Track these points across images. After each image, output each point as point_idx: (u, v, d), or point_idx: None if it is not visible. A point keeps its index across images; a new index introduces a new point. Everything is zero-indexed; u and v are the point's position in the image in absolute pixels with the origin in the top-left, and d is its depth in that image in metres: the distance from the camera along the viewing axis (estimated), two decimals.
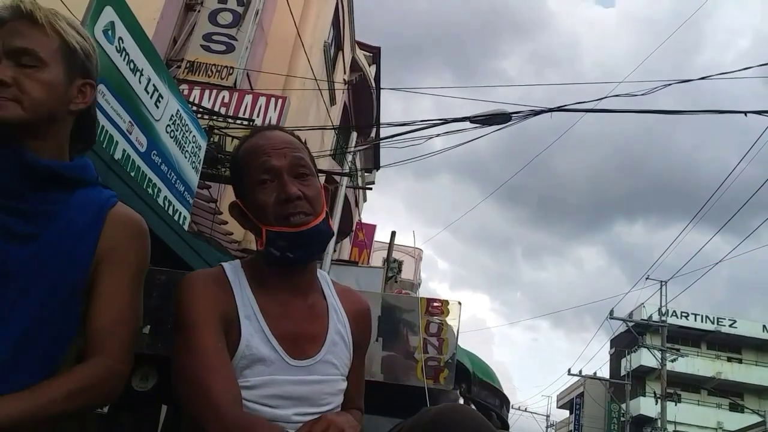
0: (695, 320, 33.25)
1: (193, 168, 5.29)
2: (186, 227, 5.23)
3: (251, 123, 7.16)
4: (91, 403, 1.07)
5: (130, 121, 3.99)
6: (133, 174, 4.05)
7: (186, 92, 6.58)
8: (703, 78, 8.17)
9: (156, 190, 4.51)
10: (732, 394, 29.82)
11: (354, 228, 16.45)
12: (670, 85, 8.04)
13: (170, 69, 6.22)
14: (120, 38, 3.79)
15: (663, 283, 22.34)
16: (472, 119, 8.37)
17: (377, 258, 19.44)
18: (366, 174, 16.90)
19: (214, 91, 7.08)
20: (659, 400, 22.20)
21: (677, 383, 29.55)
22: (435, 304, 2.30)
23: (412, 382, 2.13)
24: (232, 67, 6.83)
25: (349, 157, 11.76)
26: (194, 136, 5.25)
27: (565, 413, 40.15)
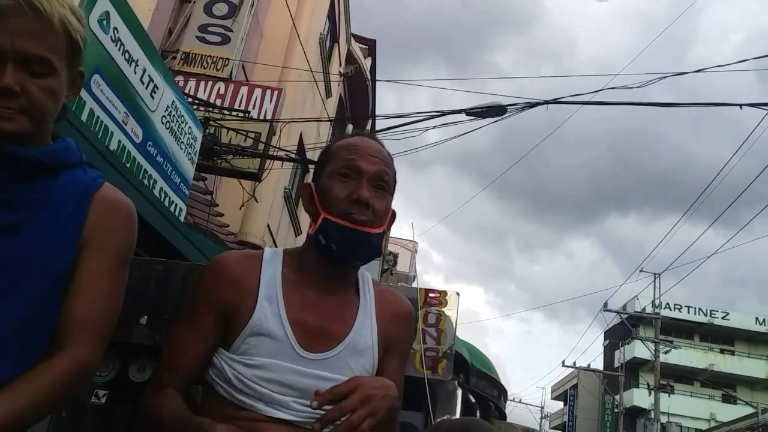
0: (688, 312, 33.48)
1: (189, 159, 5.27)
2: (182, 219, 5.21)
3: (247, 115, 7.13)
4: (54, 405, 1.04)
5: (125, 112, 3.96)
6: (128, 165, 4.03)
7: (181, 84, 6.53)
8: (699, 70, 8.18)
9: (152, 182, 4.49)
10: (725, 385, 30.09)
11: None
12: (666, 77, 8.04)
13: (165, 60, 6.18)
14: (115, 28, 3.76)
15: (657, 276, 22.48)
16: (468, 111, 8.36)
17: None
18: None
19: (210, 83, 7.04)
20: (652, 392, 22.39)
21: (670, 375, 29.80)
22: (433, 295, 2.30)
23: (410, 373, 2.13)
24: (227, 59, 6.78)
25: None
26: (190, 127, 5.22)
27: (560, 404, 40.46)
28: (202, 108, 6.74)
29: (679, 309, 33.02)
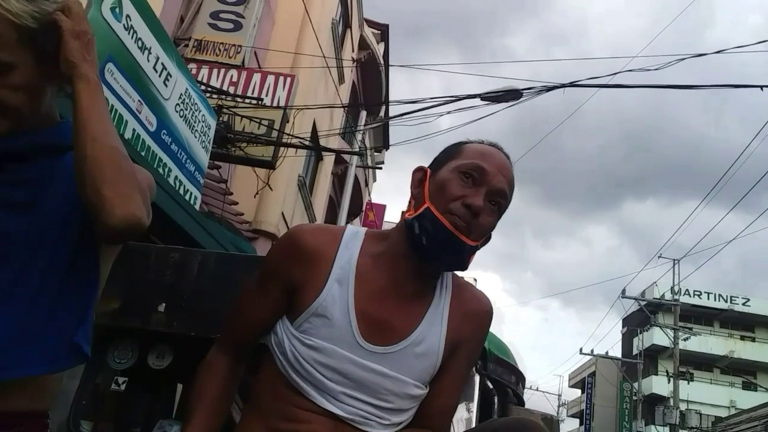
0: (708, 299, 33.09)
1: (203, 148, 5.27)
2: (197, 207, 5.23)
3: (260, 102, 7.11)
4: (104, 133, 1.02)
5: (139, 100, 3.96)
6: (143, 154, 4.04)
7: (194, 71, 6.53)
8: (719, 51, 7.99)
9: (166, 170, 4.50)
10: (745, 372, 29.78)
11: (364, 208, 16.42)
12: (684, 59, 7.86)
13: (178, 48, 6.16)
14: (128, 16, 3.74)
15: (676, 262, 22.22)
16: (483, 96, 8.26)
17: None
18: (375, 153, 16.82)
19: (222, 70, 7.02)
20: (672, 379, 22.23)
21: (690, 362, 29.55)
22: None
23: None
24: (239, 46, 6.76)
25: (359, 136, 11.69)
26: (204, 115, 5.22)
27: (577, 392, 40.34)
28: (215, 96, 6.73)
29: (698, 295, 32.64)
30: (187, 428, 1.16)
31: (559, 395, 37.58)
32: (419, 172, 1.24)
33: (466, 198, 1.13)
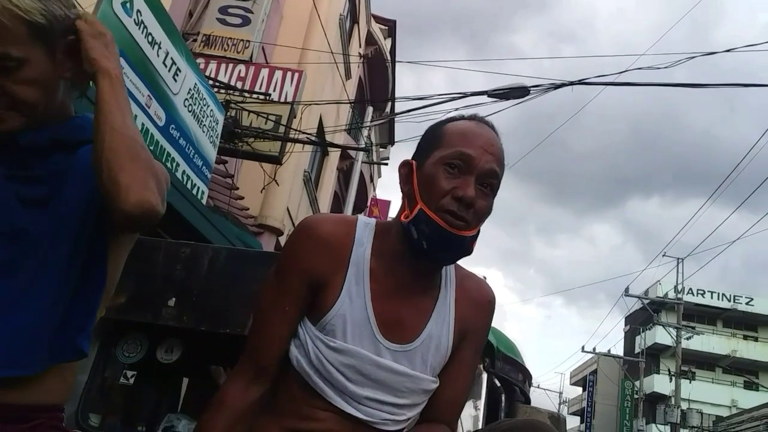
0: (712, 298, 33.01)
1: (210, 142, 5.28)
2: (204, 202, 5.24)
3: (268, 97, 7.11)
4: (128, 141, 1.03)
5: (148, 95, 3.97)
6: (151, 148, 4.05)
7: (202, 66, 6.53)
8: (729, 50, 7.94)
9: (175, 165, 4.51)
10: (747, 372, 29.71)
11: (369, 204, 16.43)
12: (694, 57, 7.83)
13: (186, 43, 6.17)
14: (138, 11, 3.75)
15: (680, 261, 22.17)
16: (490, 93, 8.24)
17: None
18: (381, 149, 16.81)
19: (230, 65, 7.03)
20: (673, 378, 22.20)
21: (692, 361, 29.47)
22: None
23: None
24: (248, 41, 6.76)
25: (365, 132, 11.68)
26: (212, 110, 5.23)
27: (578, 390, 40.37)
28: (222, 91, 6.73)
29: (702, 294, 32.56)
30: None
31: (561, 393, 37.61)
32: (404, 167, 1.20)
33: (456, 190, 1.10)
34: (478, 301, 1.24)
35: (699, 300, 31.65)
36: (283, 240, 8.89)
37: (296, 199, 10.34)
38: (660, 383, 29.81)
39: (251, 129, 6.81)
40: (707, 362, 32.25)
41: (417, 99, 8.27)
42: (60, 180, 1.08)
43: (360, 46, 14.06)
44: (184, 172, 4.71)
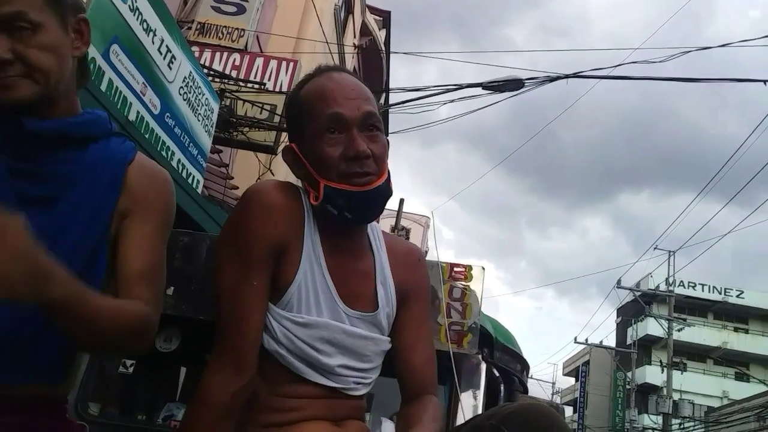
0: (702, 290, 33.26)
1: (206, 131, 5.25)
2: (199, 191, 5.21)
3: (262, 86, 7.07)
4: (128, 342, 0.99)
5: (143, 83, 3.93)
6: (147, 136, 4.02)
7: (197, 54, 6.47)
8: (723, 45, 7.98)
9: (170, 153, 4.48)
10: (738, 363, 30.02)
11: None
12: (689, 52, 7.85)
13: (181, 31, 6.11)
14: None
15: (671, 254, 22.32)
16: (485, 85, 8.22)
17: (385, 225, 19.45)
18: None
19: (225, 54, 6.98)
20: (665, 369, 22.41)
21: (683, 352, 29.77)
22: (458, 269, 2.27)
23: (436, 346, 2.11)
24: (243, 30, 6.71)
25: None
26: (207, 99, 5.19)
27: (571, 380, 40.68)
28: (217, 79, 6.69)
29: (693, 287, 32.81)
30: None
31: (553, 383, 37.89)
32: (288, 154, 1.16)
33: (348, 150, 1.07)
34: (410, 261, 1.26)
35: (690, 292, 31.87)
36: None
37: None
38: (652, 374, 30.09)
39: (246, 118, 6.77)
40: (698, 354, 32.55)
41: (411, 90, 8.24)
42: (67, 181, 1.04)
43: (354, 37, 13.99)
44: (179, 161, 4.67)
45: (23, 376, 0.95)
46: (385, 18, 16.27)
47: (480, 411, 2.27)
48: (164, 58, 4.23)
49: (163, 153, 4.30)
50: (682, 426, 24.22)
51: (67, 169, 1.05)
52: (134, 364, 2.71)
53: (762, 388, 23.60)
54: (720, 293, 33.49)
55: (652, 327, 27.94)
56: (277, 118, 6.94)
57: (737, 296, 33.40)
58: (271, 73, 7.28)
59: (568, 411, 37.44)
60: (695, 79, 8.33)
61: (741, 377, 31.02)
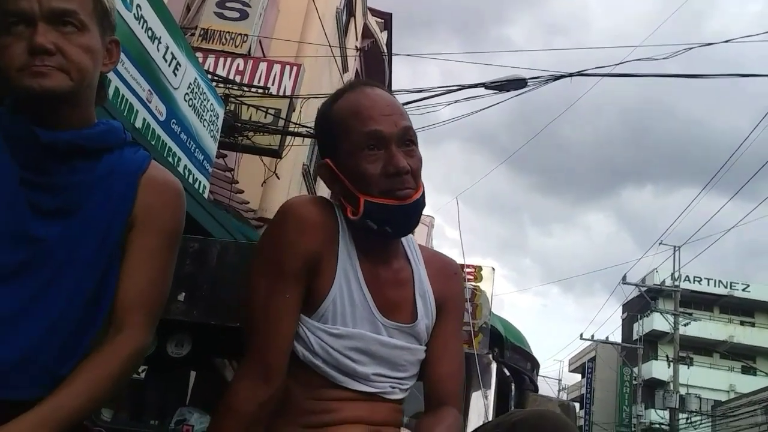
0: (708, 285, 33.16)
1: (211, 137, 5.27)
2: (205, 196, 5.24)
3: (266, 91, 7.10)
4: (121, 388, 1.05)
5: (149, 90, 3.96)
6: (153, 143, 4.04)
7: (200, 60, 6.51)
8: (727, 41, 7.96)
9: (176, 159, 4.50)
10: (744, 357, 29.93)
11: None
12: (692, 48, 7.84)
13: (185, 37, 6.14)
14: (138, 5, 3.73)
15: (677, 249, 22.26)
16: (487, 85, 8.22)
17: None
18: None
19: (229, 59, 7.00)
20: (671, 364, 22.35)
21: (689, 347, 29.66)
22: (468, 269, 2.29)
23: None
24: (246, 35, 6.72)
25: None
26: (212, 104, 5.21)
27: (577, 377, 40.60)
28: (221, 85, 6.71)
29: (699, 281, 32.70)
30: None
31: (560, 380, 37.83)
32: (323, 169, 1.18)
33: (388, 167, 1.10)
34: (448, 274, 1.29)
35: (696, 287, 31.78)
36: None
37: (295, 193, 10.33)
38: (658, 369, 30.00)
39: (251, 123, 6.79)
40: (705, 348, 32.44)
41: (414, 92, 8.25)
42: (82, 193, 1.05)
43: (356, 39, 14.00)
44: (185, 166, 4.70)
45: (44, 391, 0.97)
46: (386, 20, 16.26)
47: (491, 410, 2.29)
48: (169, 65, 4.25)
49: (170, 159, 4.33)
50: (689, 420, 24.16)
51: (80, 179, 1.06)
52: (146, 369, 2.72)
53: None
54: (726, 287, 33.36)
55: (658, 322, 27.85)
56: (281, 122, 6.96)
57: (743, 290, 33.27)
58: (274, 77, 7.30)
59: (575, 407, 37.34)
60: (699, 75, 8.32)
61: (748, 371, 30.92)
